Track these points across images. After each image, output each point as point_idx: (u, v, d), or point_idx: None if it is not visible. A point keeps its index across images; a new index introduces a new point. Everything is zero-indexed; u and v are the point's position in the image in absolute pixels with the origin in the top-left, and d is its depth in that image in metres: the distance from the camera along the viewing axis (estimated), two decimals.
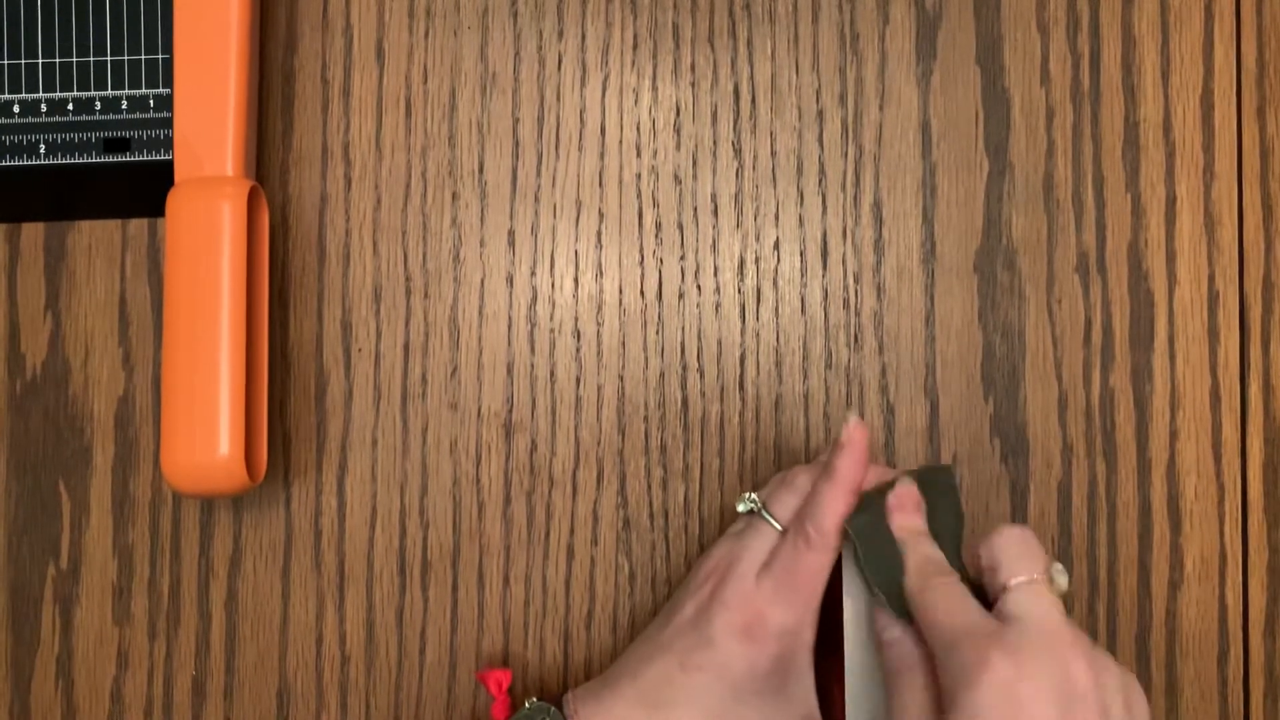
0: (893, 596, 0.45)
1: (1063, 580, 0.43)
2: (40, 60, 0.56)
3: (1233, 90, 0.56)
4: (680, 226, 0.56)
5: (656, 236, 0.56)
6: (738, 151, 0.56)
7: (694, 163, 0.56)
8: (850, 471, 0.47)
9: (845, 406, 0.55)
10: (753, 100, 0.56)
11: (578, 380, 0.56)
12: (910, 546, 0.46)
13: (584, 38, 0.57)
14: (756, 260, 0.56)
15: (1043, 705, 0.40)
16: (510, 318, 0.56)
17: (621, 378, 0.56)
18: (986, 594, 0.44)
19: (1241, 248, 0.56)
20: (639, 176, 0.56)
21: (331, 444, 0.56)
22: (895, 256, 0.56)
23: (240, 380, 0.51)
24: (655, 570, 0.55)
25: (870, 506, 0.47)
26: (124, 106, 0.56)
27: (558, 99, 0.57)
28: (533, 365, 0.56)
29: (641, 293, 0.56)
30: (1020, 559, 0.44)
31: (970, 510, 0.55)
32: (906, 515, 0.47)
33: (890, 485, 0.48)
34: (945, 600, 0.44)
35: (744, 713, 0.47)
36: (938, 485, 0.48)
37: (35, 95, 0.56)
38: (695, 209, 0.56)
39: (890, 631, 0.45)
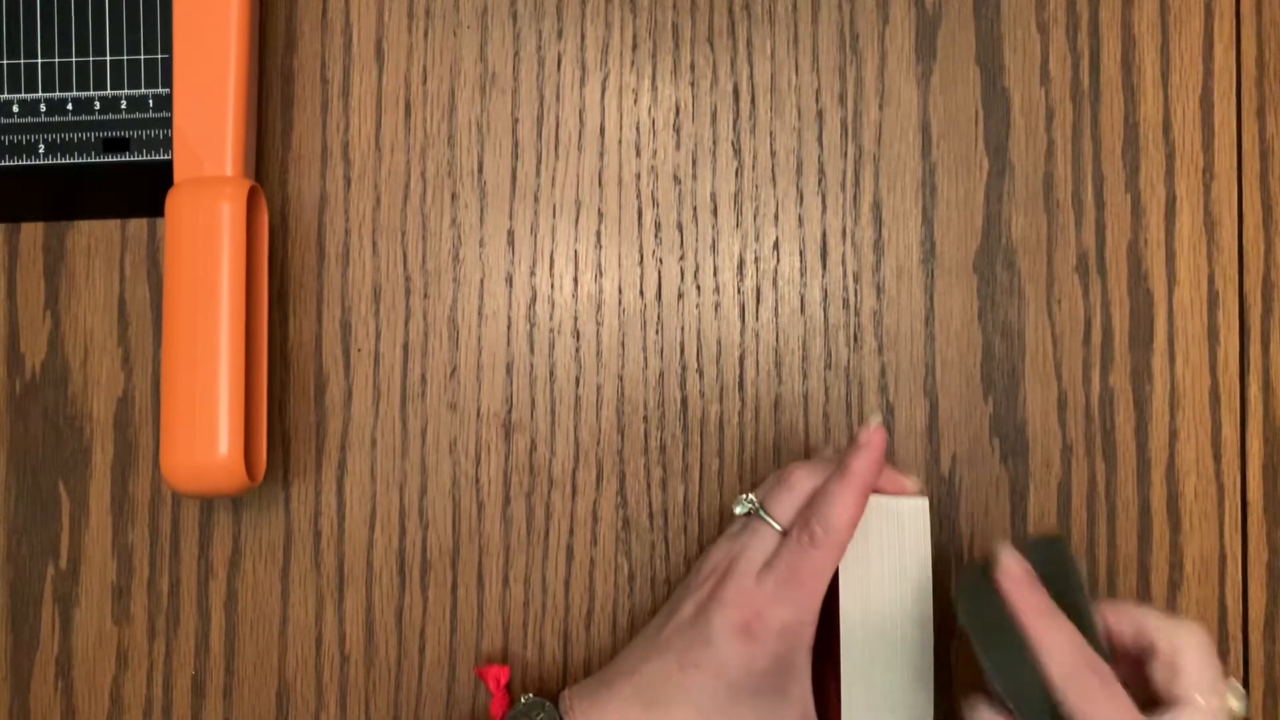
0: (1027, 703, 0.39)
1: (1238, 704, 0.40)
2: (40, 60, 0.56)
3: (1232, 90, 0.56)
4: (680, 226, 0.56)
5: (656, 236, 0.56)
6: (737, 151, 0.56)
7: (693, 162, 0.56)
8: (866, 473, 0.47)
9: (858, 408, 0.55)
10: (752, 100, 0.56)
11: (577, 380, 0.56)
12: (1046, 638, 0.39)
13: (583, 38, 0.57)
14: (756, 260, 0.56)
15: None
16: (510, 318, 0.56)
17: (621, 378, 0.56)
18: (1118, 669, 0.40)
19: (1241, 248, 0.56)
20: (638, 176, 0.56)
21: (331, 444, 0.56)
22: (895, 256, 0.56)
23: (240, 380, 0.51)
24: (654, 570, 0.55)
25: (976, 587, 0.41)
26: (123, 106, 0.56)
27: (557, 99, 0.57)
28: (532, 365, 0.56)
29: (641, 293, 0.56)
30: (1205, 674, 0.40)
31: (970, 511, 0.55)
32: (1025, 593, 0.41)
33: (987, 561, 0.42)
34: (1107, 710, 0.38)
35: (740, 712, 0.47)
36: (1050, 555, 0.43)
37: (34, 95, 0.56)
38: (695, 209, 0.56)
39: None
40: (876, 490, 0.49)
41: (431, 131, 0.56)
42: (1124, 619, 0.42)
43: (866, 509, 0.48)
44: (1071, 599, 0.41)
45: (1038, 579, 0.42)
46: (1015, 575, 0.42)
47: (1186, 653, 0.41)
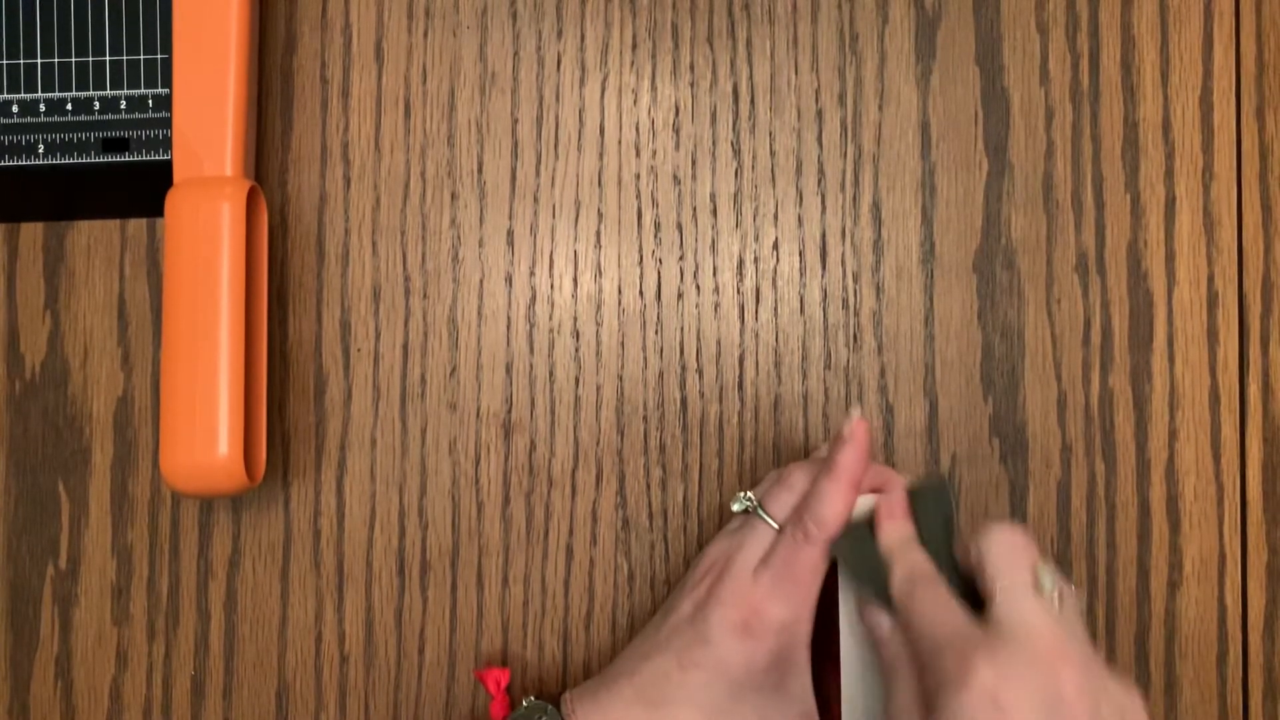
0: (883, 600, 0.46)
1: (1048, 581, 0.43)
2: (39, 60, 0.56)
3: (1232, 90, 0.56)
4: (679, 226, 0.56)
5: (655, 236, 0.56)
6: (737, 151, 0.56)
7: (693, 163, 0.56)
8: (852, 466, 0.47)
9: (848, 405, 0.55)
10: (752, 100, 0.56)
11: (577, 380, 0.56)
12: (896, 554, 0.46)
13: (583, 38, 0.57)
14: (755, 260, 0.56)
15: (1025, 712, 0.39)
16: (509, 318, 0.56)
17: (620, 378, 0.56)
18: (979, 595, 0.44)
19: (1241, 248, 0.56)
20: (638, 176, 0.56)
21: (330, 444, 0.56)
22: (894, 256, 0.56)
23: (239, 380, 0.51)
24: (654, 570, 0.55)
25: (858, 523, 0.48)
26: (123, 106, 0.56)
27: (557, 99, 0.57)
28: (532, 365, 0.56)
29: (640, 293, 0.56)
30: (1006, 561, 0.43)
31: (969, 510, 0.55)
32: (894, 523, 0.47)
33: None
34: (930, 607, 0.43)
35: (742, 710, 0.47)
36: (930, 493, 0.48)
37: (34, 95, 0.56)
38: (694, 209, 0.56)
39: (882, 629, 0.45)
40: (876, 490, 0.49)
41: (431, 131, 0.56)
42: (969, 547, 0.46)
43: (866, 509, 0.48)
44: (936, 527, 0.47)
45: (909, 515, 0.47)
46: (892, 509, 0.47)
47: (986, 555, 0.44)
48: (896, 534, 0.47)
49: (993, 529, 0.45)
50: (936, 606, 0.43)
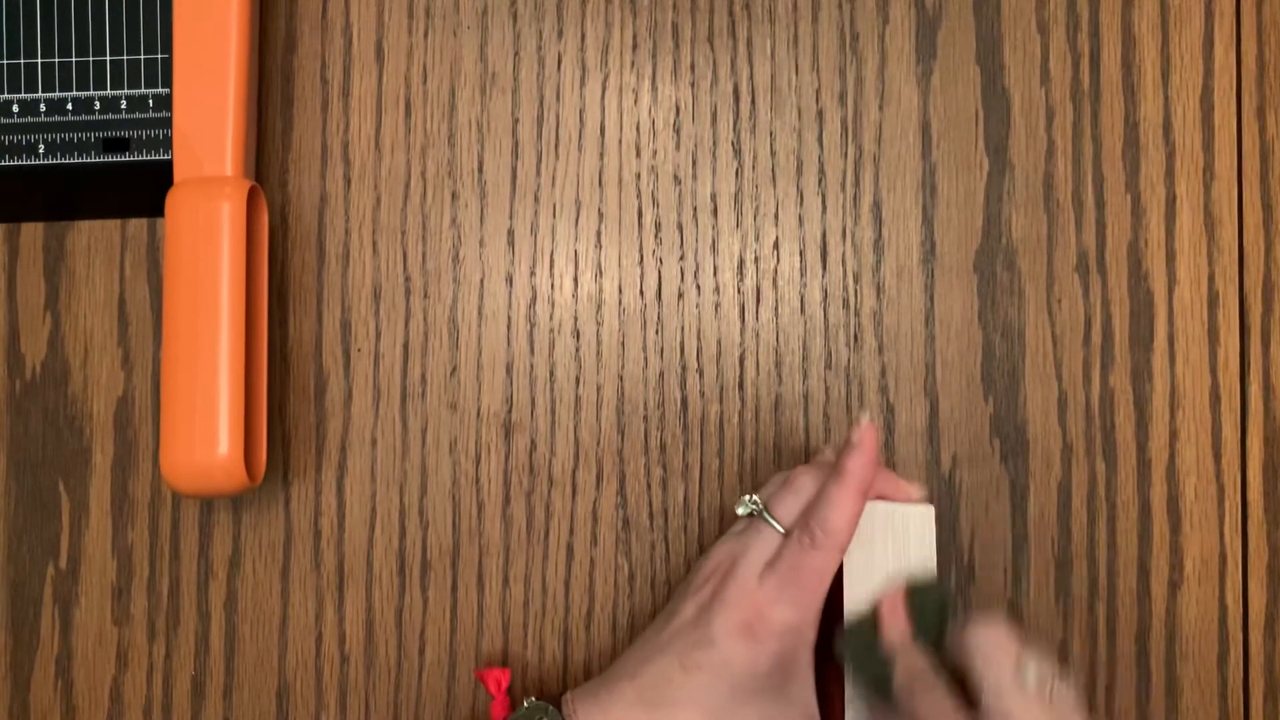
0: (886, 695, 0.46)
1: (1032, 673, 0.43)
2: (40, 60, 0.56)
3: (1233, 90, 0.56)
4: (680, 226, 0.56)
5: (656, 236, 0.56)
6: (737, 151, 0.56)
7: (694, 163, 0.56)
8: (860, 472, 0.47)
9: (857, 408, 0.55)
10: (752, 100, 0.56)
11: (577, 380, 0.56)
12: (898, 655, 0.47)
13: (583, 38, 0.57)
14: (756, 260, 0.56)
15: None
16: (510, 317, 0.56)
17: (621, 378, 0.56)
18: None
19: (1241, 248, 0.56)
20: (639, 176, 0.56)
21: (331, 444, 0.56)
22: (895, 256, 0.56)
23: (240, 380, 0.51)
24: (655, 570, 0.55)
25: (864, 618, 0.48)
26: (123, 106, 0.56)
27: (557, 99, 0.56)
28: (532, 365, 0.56)
29: (641, 293, 0.56)
30: (989, 659, 0.44)
31: (970, 511, 0.55)
32: (895, 623, 0.48)
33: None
34: (927, 709, 0.44)
35: (744, 712, 0.47)
36: (928, 588, 0.49)
37: (34, 95, 0.56)
38: (695, 209, 0.56)
39: None
40: (882, 496, 0.49)
41: (431, 131, 0.56)
42: (957, 645, 0.46)
43: (872, 515, 0.48)
44: (932, 626, 0.48)
45: (908, 612, 0.48)
46: (893, 607, 0.48)
47: (970, 654, 0.45)
48: (897, 634, 0.48)
49: (973, 627, 0.45)
50: (933, 710, 0.44)
